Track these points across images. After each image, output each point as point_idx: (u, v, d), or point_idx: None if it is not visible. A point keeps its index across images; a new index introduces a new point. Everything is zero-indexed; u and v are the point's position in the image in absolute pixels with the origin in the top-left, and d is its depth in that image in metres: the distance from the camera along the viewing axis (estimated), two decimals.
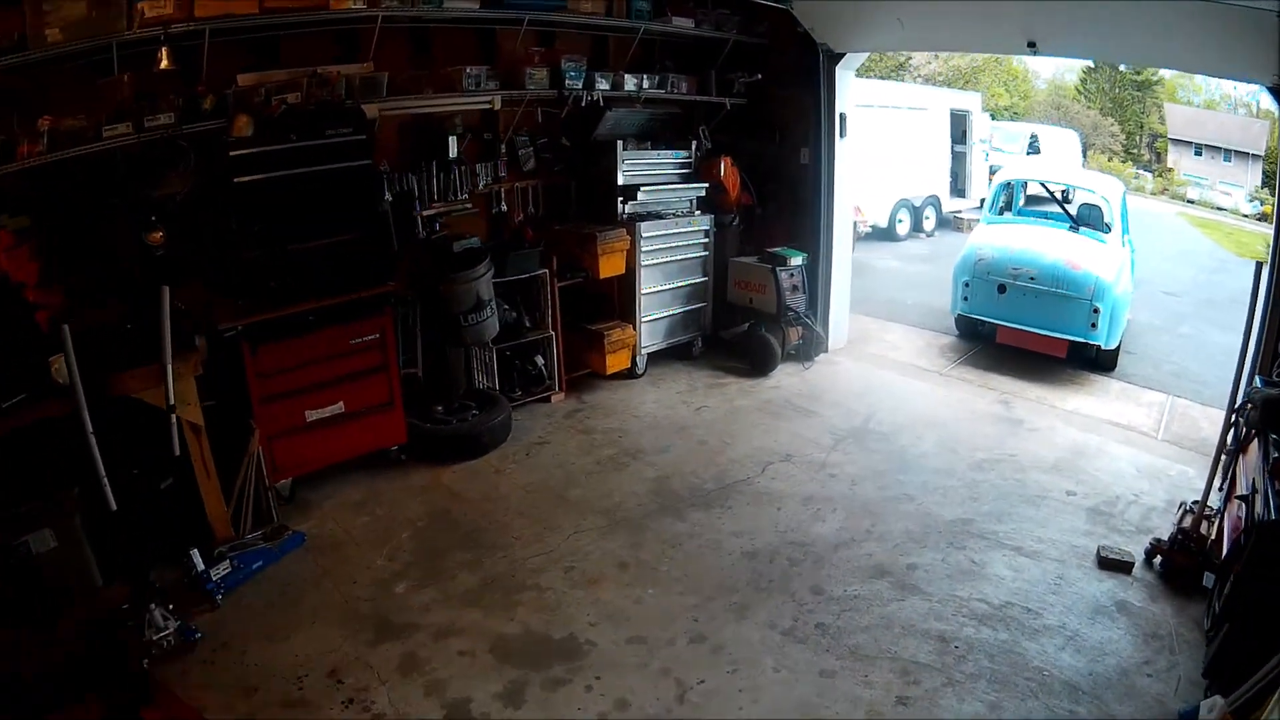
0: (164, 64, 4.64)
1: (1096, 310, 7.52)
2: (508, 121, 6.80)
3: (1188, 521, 4.78)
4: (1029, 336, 7.86)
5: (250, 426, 4.92)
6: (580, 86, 6.80)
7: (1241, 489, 4.18)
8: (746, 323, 7.89)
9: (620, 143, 7.14)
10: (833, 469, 5.85)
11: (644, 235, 7.18)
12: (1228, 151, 32.92)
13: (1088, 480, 5.79)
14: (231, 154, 4.85)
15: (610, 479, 5.73)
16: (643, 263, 7.23)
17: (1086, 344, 7.70)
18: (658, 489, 5.59)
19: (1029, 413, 6.98)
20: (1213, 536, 4.60)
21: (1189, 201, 30.50)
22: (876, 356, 8.32)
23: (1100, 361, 7.98)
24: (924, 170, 16.35)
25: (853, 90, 8.03)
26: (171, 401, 4.32)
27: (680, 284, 7.61)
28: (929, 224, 16.60)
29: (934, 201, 16.68)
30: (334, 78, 5.46)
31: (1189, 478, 5.80)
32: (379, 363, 5.51)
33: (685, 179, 7.66)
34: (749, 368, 7.67)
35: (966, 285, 8.28)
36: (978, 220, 16.50)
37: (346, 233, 5.33)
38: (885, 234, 15.54)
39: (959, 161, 17.57)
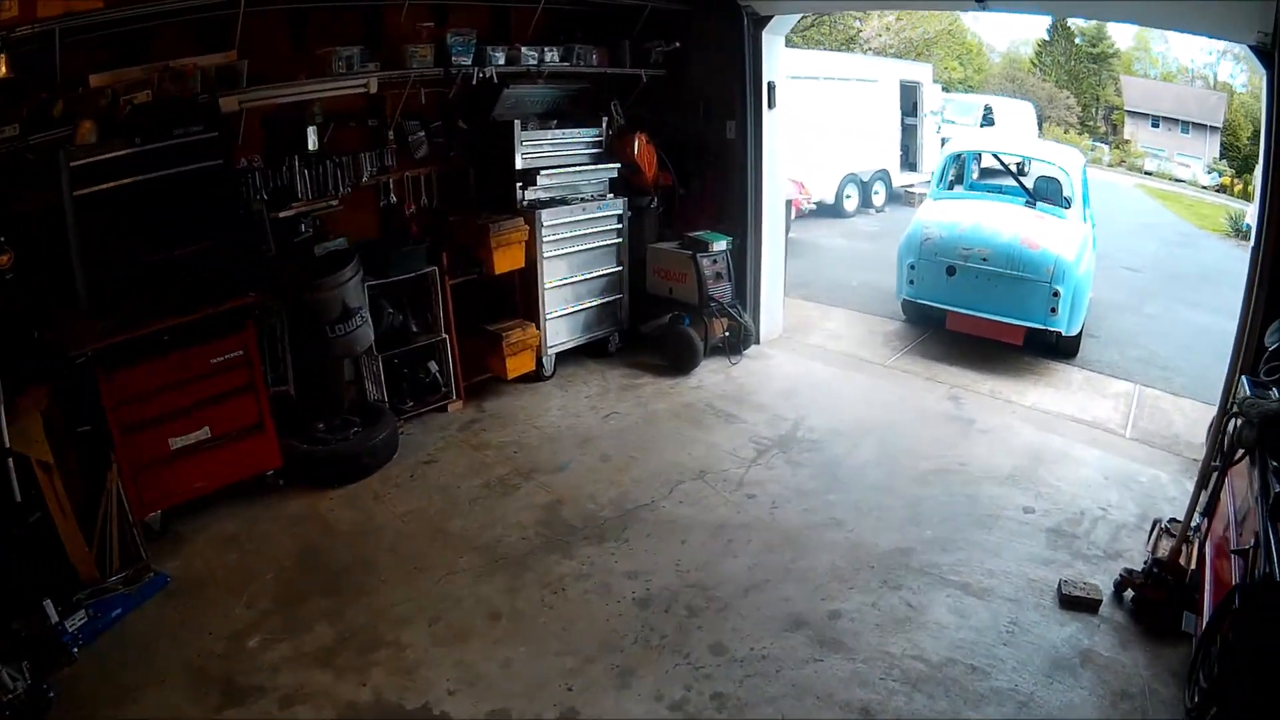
0: (1, 71, 4.13)
1: (1056, 294, 6.69)
2: (396, 105, 5.88)
3: (1164, 547, 4.00)
4: (982, 323, 7.02)
5: (108, 459, 4.28)
6: (469, 63, 5.89)
7: (1228, 512, 3.37)
8: (668, 315, 6.99)
9: (518, 123, 6.18)
10: (752, 488, 4.97)
11: (545, 224, 6.24)
12: (1185, 123, 32.66)
13: (1049, 493, 4.95)
14: (72, 164, 4.34)
15: (497, 506, 4.84)
16: (545, 254, 6.30)
17: (1046, 330, 6.87)
18: (548, 517, 4.70)
19: (982, 410, 6.14)
20: (1193, 565, 3.79)
21: (1146, 173, 30.31)
22: (814, 348, 7.43)
23: (1061, 348, 7.15)
24: (873, 144, 15.57)
25: (785, 59, 7.20)
26: (6, 443, 3.79)
27: (591, 275, 6.67)
28: (878, 199, 15.81)
29: (883, 176, 15.90)
30: (189, 71, 4.77)
31: (1162, 484, 5.06)
32: (244, 382, 4.79)
33: (596, 160, 6.72)
34: (669, 365, 6.76)
35: (912, 268, 7.41)
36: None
37: (204, 241, 4.82)
38: (832, 210, 14.70)
39: (910, 134, 16.84)
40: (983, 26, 38.11)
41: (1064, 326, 6.80)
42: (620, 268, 6.85)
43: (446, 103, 6.19)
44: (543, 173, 6.31)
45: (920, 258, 7.33)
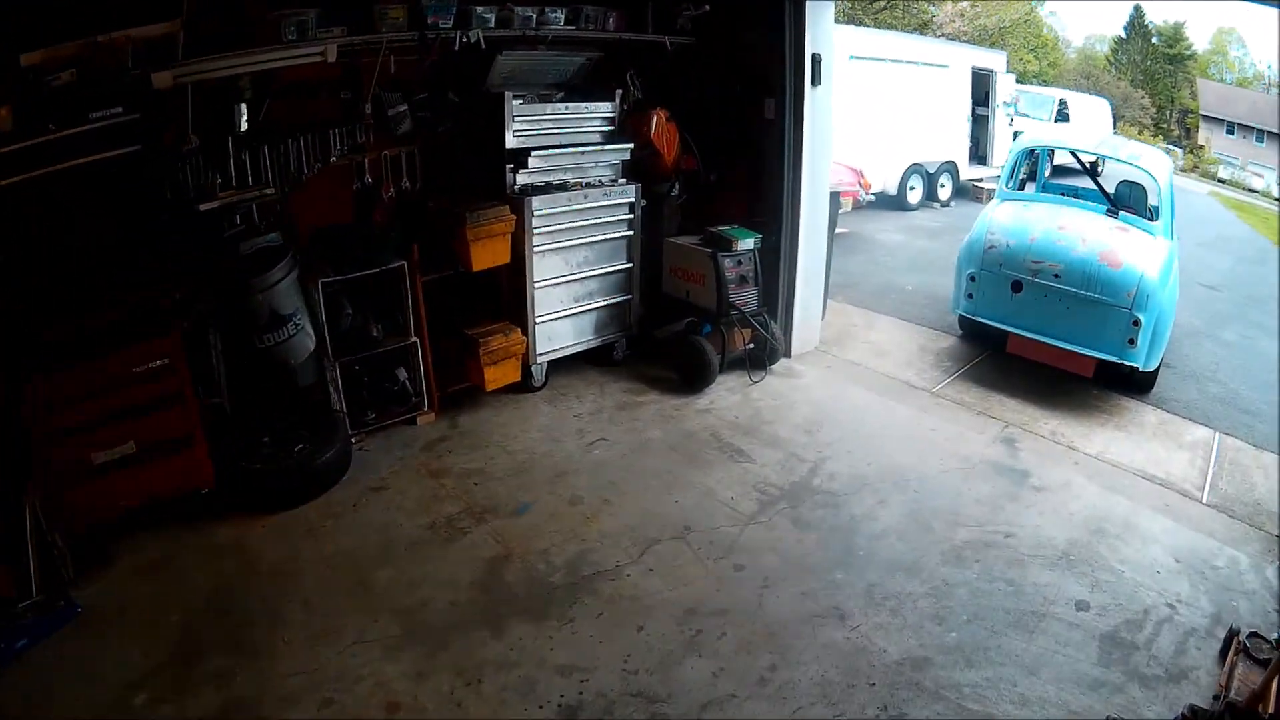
0: None
1: (1137, 323, 5.45)
2: (372, 75, 5.04)
3: (1241, 677, 2.96)
4: (1048, 350, 5.81)
5: (26, 473, 3.77)
6: (450, 25, 4.99)
7: None
8: (685, 321, 6.02)
9: (509, 95, 5.23)
10: (743, 556, 3.98)
11: (537, 213, 5.30)
12: (1261, 132, 31.18)
13: (1108, 581, 3.86)
14: None
15: (435, 556, 3.99)
16: (536, 248, 5.38)
17: (1120, 364, 5.65)
18: (488, 578, 3.83)
19: (1039, 459, 5.00)
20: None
21: (1220, 181, 28.79)
22: (851, 366, 6.32)
23: (1135, 380, 5.90)
24: (940, 133, 14.08)
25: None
26: None
27: (594, 272, 5.72)
28: (944, 193, 14.34)
29: (950, 168, 14.39)
30: (120, 43, 4.05)
31: (1241, 572, 4.01)
32: (171, 392, 4.11)
33: (607, 139, 5.73)
34: (679, 380, 5.78)
35: (972, 279, 6.19)
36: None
37: (128, 235, 4.36)
38: (894, 202, 13.34)
39: (980, 125, 15.27)
40: (1059, 20, 36.78)
41: (1142, 361, 5.57)
42: (630, 264, 5.88)
43: (436, 72, 5.29)
44: (538, 154, 5.35)
45: (982, 268, 6.12)
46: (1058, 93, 19.51)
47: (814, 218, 6.16)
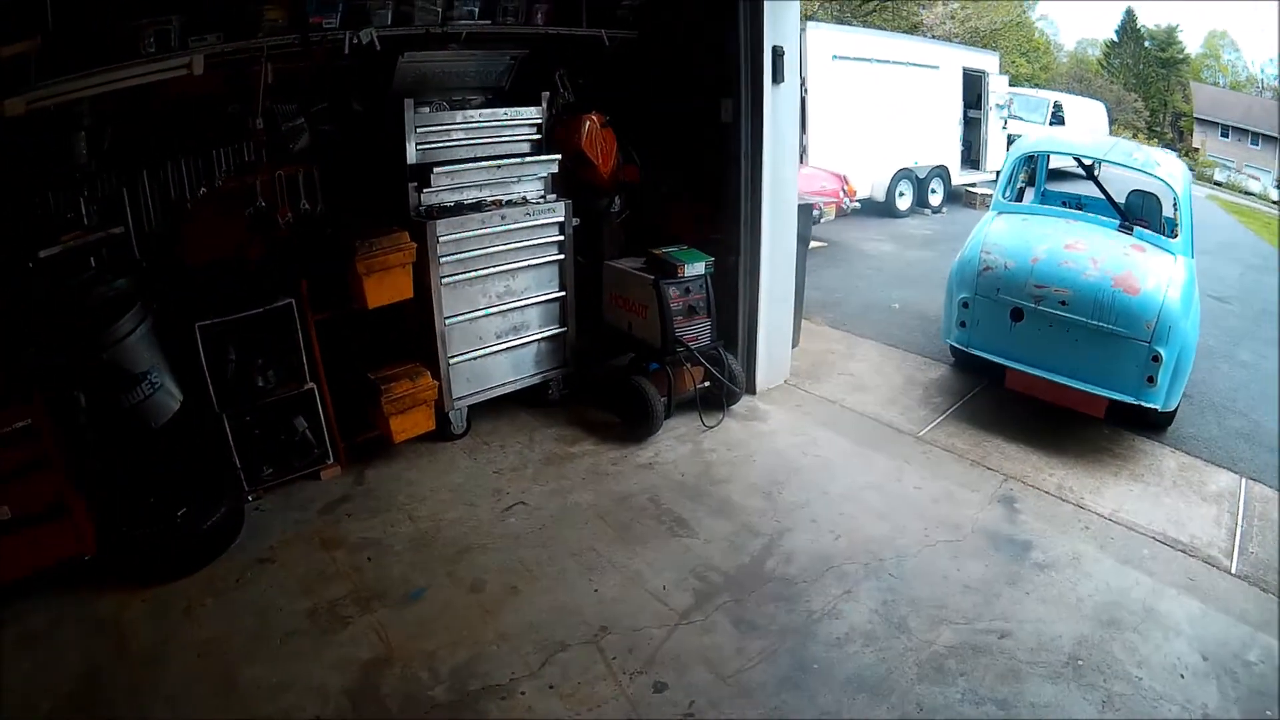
0: None
1: (1157, 359, 4.58)
2: (260, 86, 4.31)
3: None
4: (1053, 388, 4.93)
5: None
6: (337, 25, 4.24)
7: None
8: (629, 357, 5.17)
9: (409, 103, 4.42)
10: (667, 670, 3.10)
11: (443, 238, 4.48)
12: (1256, 135, 31.21)
13: (1123, 694, 3.03)
14: None
15: (309, 653, 3.23)
16: (445, 278, 4.55)
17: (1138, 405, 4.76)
18: (360, 686, 3.06)
19: (1043, 523, 4.13)
20: None
21: (1216, 184, 28.55)
22: (826, 404, 5.44)
23: (1151, 417, 5.02)
24: (931, 137, 13.28)
25: (796, 19, 5.27)
26: None
27: (518, 303, 4.87)
28: (935, 199, 13.48)
29: (942, 173, 13.54)
30: None
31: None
32: (37, 457, 3.58)
33: (535, 150, 4.92)
34: (622, 425, 4.95)
35: (965, 306, 5.31)
36: (989, 197, 13.28)
37: None
38: (882, 209, 12.49)
39: (973, 129, 14.48)
40: (1050, 23, 36.90)
41: (1161, 401, 4.70)
42: (563, 293, 5.02)
43: (337, 79, 4.54)
44: (444, 170, 4.53)
45: (977, 293, 5.23)
46: (1052, 95, 18.73)
47: (780, 233, 5.31)
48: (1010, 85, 16.53)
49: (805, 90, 10.43)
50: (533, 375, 5.04)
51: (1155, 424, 5.10)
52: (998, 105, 14.72)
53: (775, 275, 5.33)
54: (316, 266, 4.37)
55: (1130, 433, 5.09)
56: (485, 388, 4.87)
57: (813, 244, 6.63)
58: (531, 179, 4.86)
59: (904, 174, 12.77)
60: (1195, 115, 34.10)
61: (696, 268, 4.82)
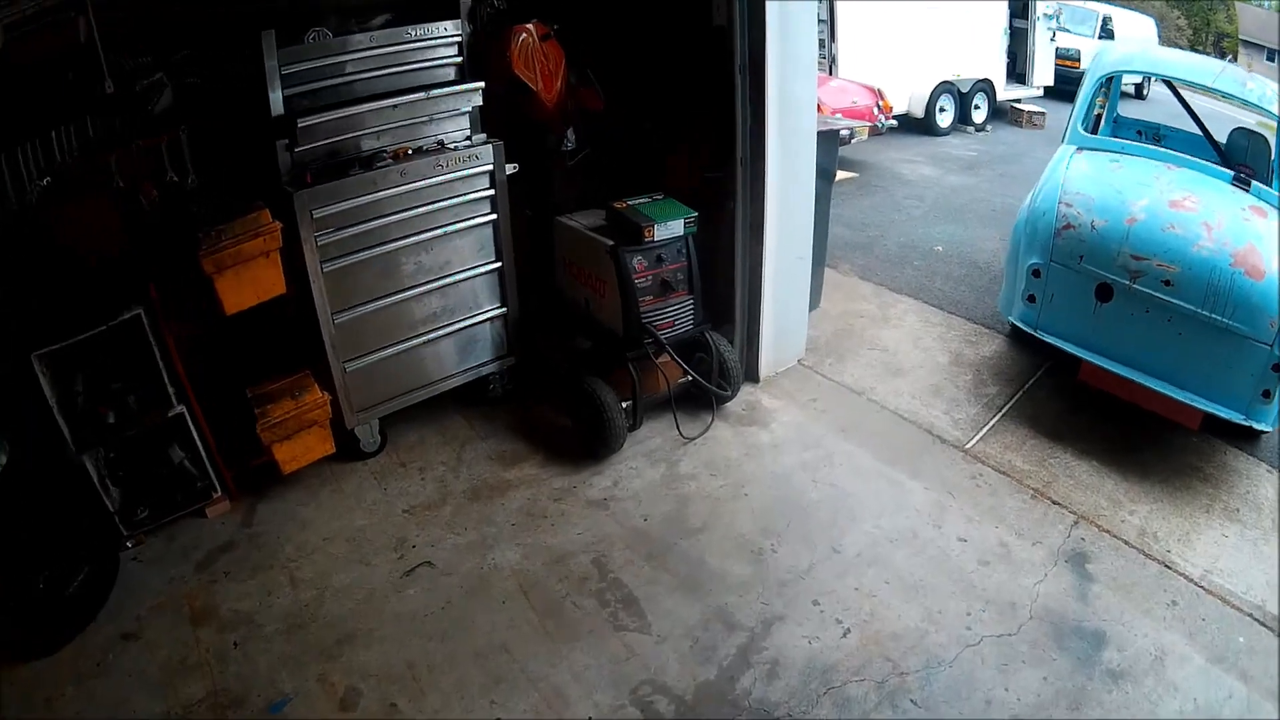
0: None
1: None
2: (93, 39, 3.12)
3: None
4: (1142, 391, 3.60)
5: None
6: None
7: None
8: (584, 348, 3.95)
9: (268, 35, 3.13)
10: None
11: (317, 211, 3.25)
12: None
13: None
14: None
15: None
16: (328, 263, 3.35)
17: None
18: None
19: (1121, 596, 2.95)
20: None
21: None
22: (849, 396, 4.16)
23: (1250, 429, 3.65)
24: (974, 48, 11.29)
25: None
26: None
27: (438, 282, 3.64)
28: (979, 115, 11.41)
29: (986, 87, 11.41)
30: None
31: None
32: None
33: (459, 76, 3.57)
34: (576, 433, 3.80)
35: (1035, 275, 3.89)
36: (1039, 113, 11.44)
37: None
38: (921, 126, 10.58)
39: (1018, 40, 12.26)
40: None
41: (1272, 421, 3.41)
42: (499, 263, 3.77)
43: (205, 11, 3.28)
44: (316, 119, 3.25)
45: (1052, 259, 3.81)
46: (1101, 7, 15.95)
47: (793, 170, 3.93)
48: None
49: None
50: (464, 371, 3.88)
51: (1248, 431, 3.71)
52: (1045, 15, 12.47)
53: (787, 226, 3.99)
54: (182, 258, 3.20)
55: (1221, 443, 3.80)
56: (400, 393, 3.73)
57: (841, 175, 5.19)
58: (448, 117, 3.53)
59: (945, 88, 10.82)
60: (1240, 37, 31.29)
61: (671, 227, 3.52)
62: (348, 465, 3.71)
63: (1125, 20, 15.95)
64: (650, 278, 3.49)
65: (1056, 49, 12.70)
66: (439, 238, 3.54)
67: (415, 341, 3.65)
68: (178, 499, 3.44)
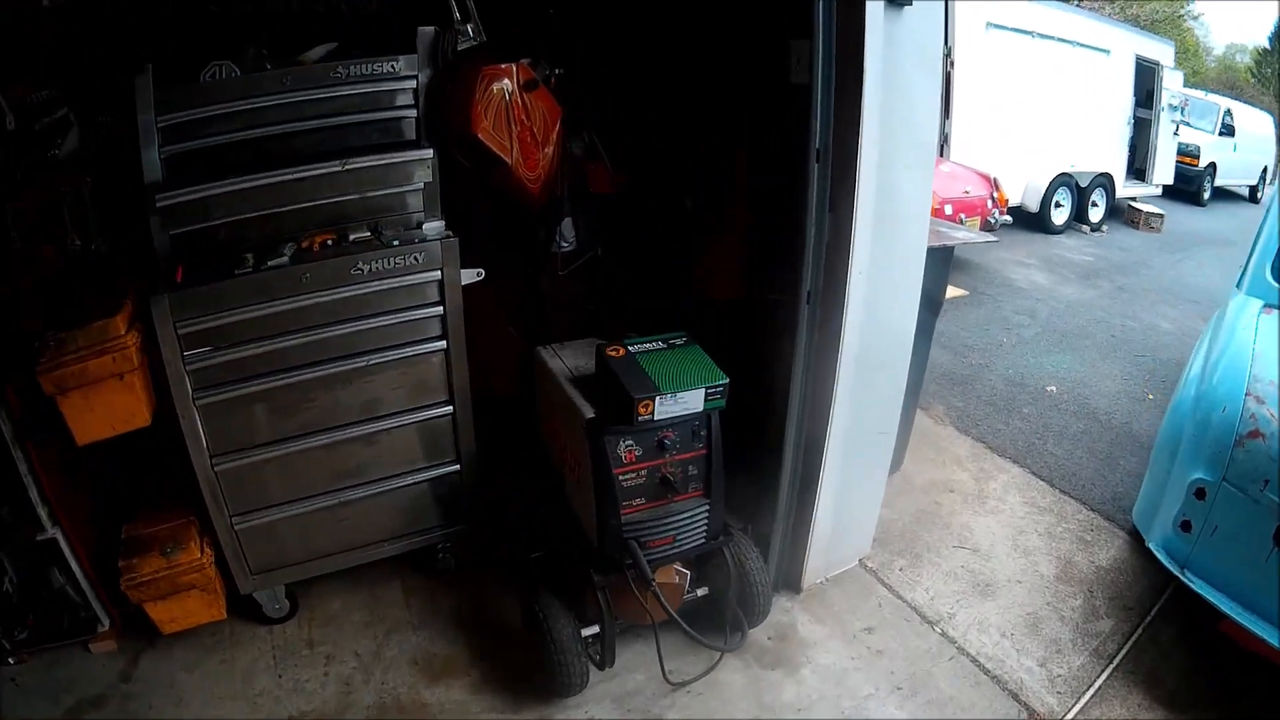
0: None
1: None
2: None
3: None
4: None
5: None
6: None
7: None
8: (561, 532, 2.51)
9: (143, 77, 2.00)
10: None
11: (184, 327, 2.02)
12: None
13: None
14: None
15: None
16: (202, 394, 2.13)
17: None
18: None
19: None
20: None
21: None
22: (916, 628, 2.59)
23: None
24: (1095, 137, 8.99)
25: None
26: None
27: (357, 430, 2.33)
28: (1096, 213, 8.97)
29: (1105, 183, 8.99)
30: None
31: None
32: None
33: (416, 130, 2.21)
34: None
35: (1199, 496, 2.27)
36: (1157, 215, 9.12)
37: None
38: (1034, 221, 8.34)
39: (1139, 132, 9.77)
40: (1202, 25, 28.59)
41: None
42: (447, 407, 2.41)
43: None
44: (198, 191, 2.00)
45: (1226, 478, 2.20)
46: (1223, 101, 12.78)
47: (884, 310, 2.39)
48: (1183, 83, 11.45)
49: (951, 64, 7.07)
50: (400, 539, 2.58)
51: None
52: (1170, 105, 9.97)
53: (867, 390, 2.47)
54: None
55: None
56: (313, 558, 2.48)
57: (950, 291, 3.54)
58: (389, 194, 2.17)
59: (1063, 180, 8.49)
60: None
61: (684, 400, 2.07)
62: (248, 628, 2.52)
63: (1245, 116, 12.94)
64: (643, 473, 2.07)
65: (1180, 145, 10.43)
66: (360, 370, 2.20)
67: (330, 501, 2.34)
68: (64, 625, 2.42)
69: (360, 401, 2.27)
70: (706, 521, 2.18)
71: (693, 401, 2.06)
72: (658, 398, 2.01)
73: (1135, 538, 2.96)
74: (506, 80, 2.13)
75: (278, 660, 2.43)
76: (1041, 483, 3.41)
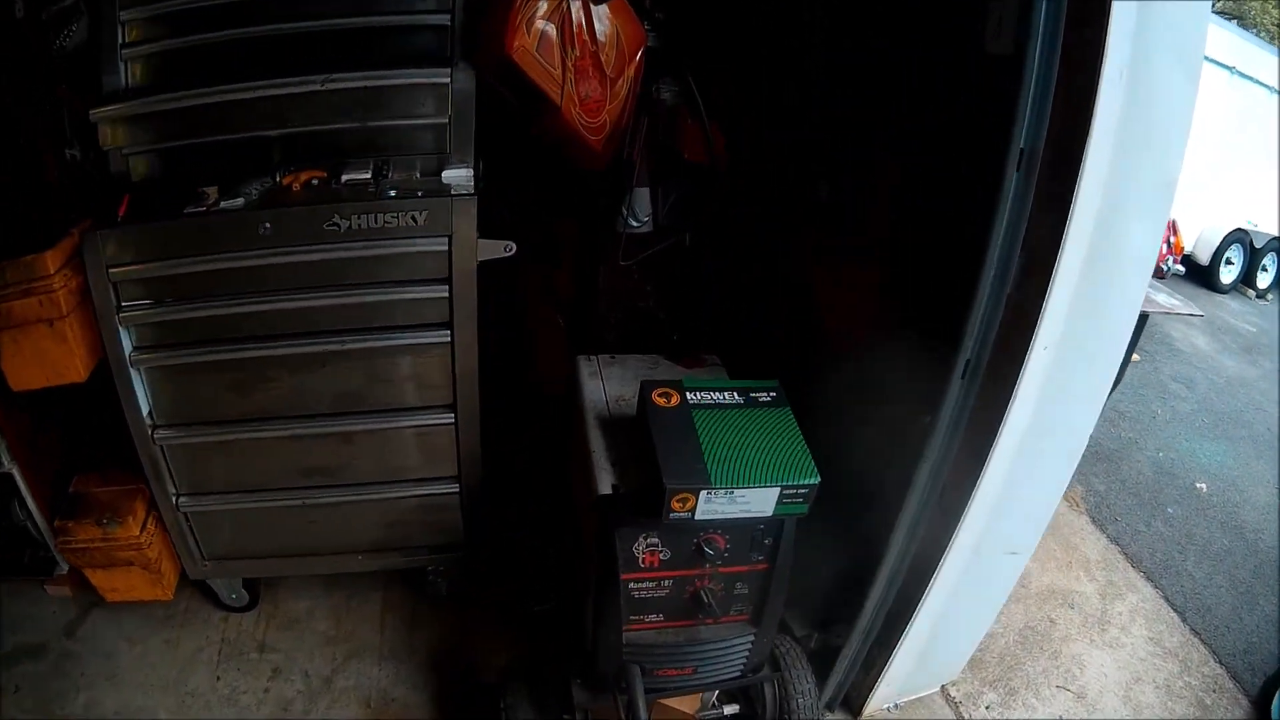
0: None
1: None
2: None
3: None
4: None
5: None
6: None
7: None
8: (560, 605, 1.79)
9: None
10: None
11: (117, 271, 1.38)
12: None
13: None
14: None
15: None
16: (143, 351, 1.48)
17: None
18: None
19: None
20: None
21: None
22: None
23: None
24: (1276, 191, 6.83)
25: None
26: None
27: (327, 424, 1.63)
28: (1264, 279, 6.89)
29: (1278, 246, 6.97)
30: None
31: None
32: None
33: (438, 46, 1.42)
34: None
35: None
36: None
37: None
38: (1200, 276, 6.50)
39: None
40: None
41: None
42: (448, 415, 1.67)
43: None
44: (139, 104, 1.30)
45: None
46: None
47: (1070, 386, 1.43)
48: None
49: None
50: (381, 554, 1.91)
51: None
52: None
53: (1016, 491, 1.52)
54: None
55: None
56: (274, 555, 1.88)
57: None
58: (391, 124, 1.40)
59: (1237, 236, 6.55)
60: None
61: (745, 500, 1.24)
62: (204, 608, 1.99)
63: None
64: (666, 583, 1.32)
65: None
66: (334, 354, 1.49)
67: (293, 500, 1.68)
68: (24, 560, 1.93)
69: (334, 392, 1.59)
70: (746, 655, 1.39)
71: (759, 502, 1.24)
72: (704, 492, 1.20)
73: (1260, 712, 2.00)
74: None
75: (222, 657, 1.89)
76: (1173, 614, 2.39)
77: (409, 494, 1.75)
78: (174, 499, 1.70)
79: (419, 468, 1.73)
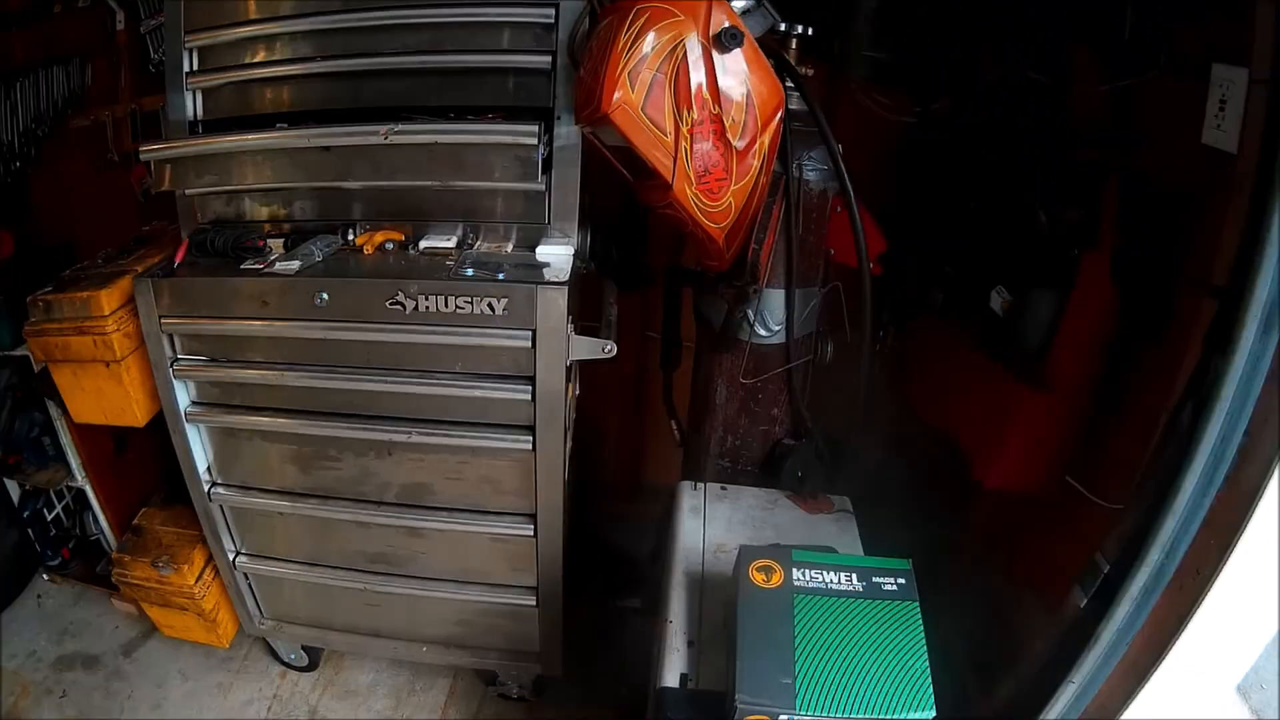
0: None
1: None
2: None
3: None
4: None
5: None
6: None
7: None
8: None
9: None
10: None
11: (172, 325, 1.23)
12: None
13: None
14: None
15: None
16: (196, 409, 1.33)
17: None
18: None
19: None
20: None
21: None
22: None
23: None
24: None
25: None
26: None
27: (391, 513, 1.38)
28: None
29: None
30: None
31: None
32: None
33: (537, 86, 1.12)
34: None
35: None
36: None
37: None
38: None
39: None
40: None
41: None
42: (527, 526, 1.38)
43: None
44: (200, 143, 1.12)
45: None
46: None
47: None
48: None
49: None
50: (449, 649, 1.65)
51: None
52: None
53: None
54: None
55: None
56: (336, 629, 1.69)
57: None
58: (474, 187, 1.11)
59: None
60: None
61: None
62: (263, 659, 1.88)
63: None
64: None
65: None
66: (401, 444, 1.23)
67: (356, 584, 1.49)
68: (98, 569, 2.04)
69: (401, 482, 1.35)
70: None
71: None
72: (784, 717, 0.81)
73: None
74: (684, 29, 0.92)
75: (271, 714, 1.77)
76: None
77: (481, 598, 1.49)
78: (231, 557, 1.57)
79: (493, 573, 1.46)
